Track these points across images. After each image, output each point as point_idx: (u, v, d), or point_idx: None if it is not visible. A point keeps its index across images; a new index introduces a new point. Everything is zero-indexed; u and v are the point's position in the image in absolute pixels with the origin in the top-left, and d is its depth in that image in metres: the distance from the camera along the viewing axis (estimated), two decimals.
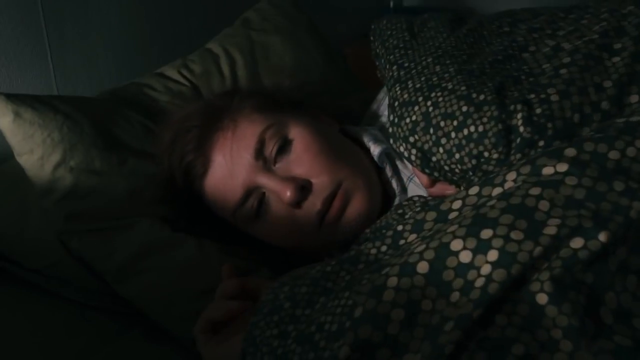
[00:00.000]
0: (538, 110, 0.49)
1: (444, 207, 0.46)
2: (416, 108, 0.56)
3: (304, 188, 0.60)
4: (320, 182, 0.61)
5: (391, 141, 0.60)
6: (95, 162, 0.65)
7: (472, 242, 0.40)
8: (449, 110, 0.53)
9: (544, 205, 0.40)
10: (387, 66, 0.64)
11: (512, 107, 0.50)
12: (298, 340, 0.43)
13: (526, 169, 0.43)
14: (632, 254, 0.39)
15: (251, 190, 0.62)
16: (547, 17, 0.60)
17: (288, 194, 0.59)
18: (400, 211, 0.54)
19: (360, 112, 0.79)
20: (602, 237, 0.38)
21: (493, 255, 0.39)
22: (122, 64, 1.02)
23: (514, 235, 0.39)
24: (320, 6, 1.30)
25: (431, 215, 0.46)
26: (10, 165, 0.70)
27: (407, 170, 0.67)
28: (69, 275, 0.68)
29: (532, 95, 0.50)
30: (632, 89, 0.49)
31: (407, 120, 0.56)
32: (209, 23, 1.14)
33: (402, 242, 0.47)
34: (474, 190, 0.45)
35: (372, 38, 0.73)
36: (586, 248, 0.38)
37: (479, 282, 0.38)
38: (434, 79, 0.57)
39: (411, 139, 0.56)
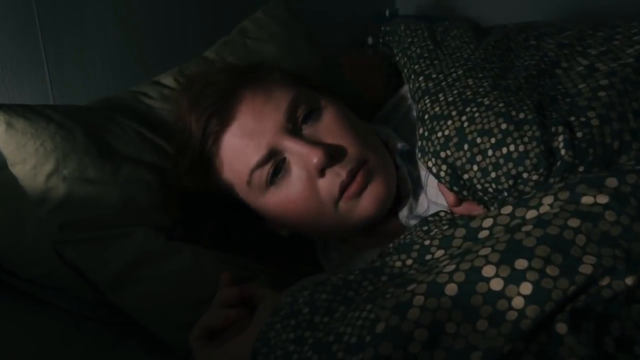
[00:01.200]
0: (579, 134, 0.47)
1: (474, 224, 0.45)
2: (449, 122, 0.53)
3: (332, 156, 0.60)
4: (348, 153, 0.61)
5: (419, 155, 0.58)
6: (89, 171, 0.65)
7: (505, 271, 0.39)
8: (487, 127, 0.51)
9: (580, 239, 0.40)
10: (413, 76, 0.63)
11: (553, 129, 0.48)
12: (315, 349, 0.42)
13: (564, 195, 0.42)
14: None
15: (274, 152, 0.61)
16: (575, 32, 0.59)
17: (315, 159, 0.59)
18: (425, 227, 0.52)
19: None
20: (629, 280, 0.38)
21: (526, 288, 0.38)
22: (119, 74, 1.02)
23: (550, 270, 0.38)
24: (316, 15, 1.30)
25: (460, 232, 0.45)
26: (4, 175, 0.70)
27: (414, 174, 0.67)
28: (65, 285, 0.67)
29: (573, 118, 0.48)
30: None
31: (439, 134, 0.54)
32: (205, 33, 1.14)
33: (428, 257, 0.46)
34: (506, 209, 0.44)
35: (381, 40, 0.72)
36: (611, 287, 0.38)
37: (511, 316, 0.38)
38: (468, 93, 0.55)
39: (442, 154, 0.54)
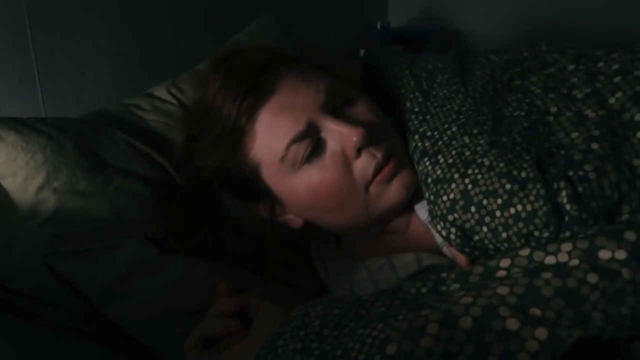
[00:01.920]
0: (580, 189, 0.48)
1: (492, 263, 0.45)
2: (453, 186, 0.55)
3: (370, 136, 0.60)
4: (383, 137, 0.62)
5: (429, 218, 0.59)
6: (80, 183, 0.65)
7: (521, 314, 0.40)
8: (491, 188, 0.52)
9: (595, 296, 0.40)
10: (408, 134, 0.64)
11: (555, 185, 0.49)
12: None
13: (583, 245, 0.43)
14: None
15: (312, 129, 0.61)
16: (556, 71, 0.60)
17: (355, 137, 0.59)
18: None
19: None
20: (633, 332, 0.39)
21: (542, 333, 0.39)
22: (110, 88, 1.02)
23: (563, 322, 0.39)
24: (309, 27, 1.31)
25: (478, 269, 0.46)
26: None
27: None
28: (56, 298, 0.67)
29: (571, 172, 0.50)
30: None
31: (444, 198, 0.55)
32: (198, 47, 1.14)
33: (443, 288, 0.47)
34: (524, 252, 0.45)
35: (363, 69, 0.72)
36: (615, 337, 0.39)
37: (523, 358, 0.38)
38: (467, 153, 0.56)
39: (450, 217, 0.55)
